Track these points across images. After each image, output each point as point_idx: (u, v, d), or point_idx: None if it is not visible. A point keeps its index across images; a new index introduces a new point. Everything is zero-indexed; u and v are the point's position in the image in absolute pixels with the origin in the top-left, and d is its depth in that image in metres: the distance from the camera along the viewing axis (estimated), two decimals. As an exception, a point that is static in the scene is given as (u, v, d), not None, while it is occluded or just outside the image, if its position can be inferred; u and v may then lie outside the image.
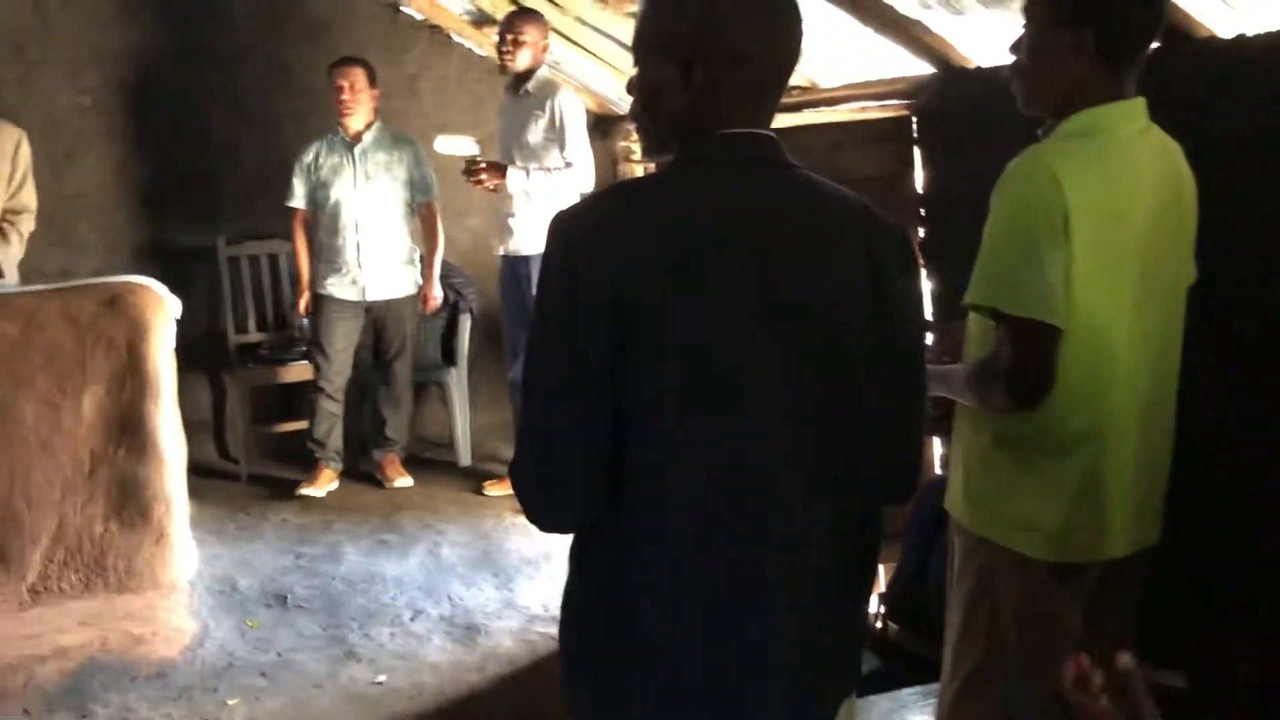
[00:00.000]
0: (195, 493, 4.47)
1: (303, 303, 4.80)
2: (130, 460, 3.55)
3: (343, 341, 4.75)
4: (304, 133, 5.21)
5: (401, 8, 5.47)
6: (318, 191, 4.71)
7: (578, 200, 1.43)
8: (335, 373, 4.76)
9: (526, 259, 4.35)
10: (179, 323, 3.92)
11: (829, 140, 3.58)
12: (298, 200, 4.75)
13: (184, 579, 3.66)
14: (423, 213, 4.85)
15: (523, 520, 4.45)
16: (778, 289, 1.29)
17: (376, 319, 4.79)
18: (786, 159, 1.36)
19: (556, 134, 4.29)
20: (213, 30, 5.20)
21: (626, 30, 4.25)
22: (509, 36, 4.27)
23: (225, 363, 5.21)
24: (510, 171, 4.30)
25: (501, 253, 4.47)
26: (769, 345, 1.29)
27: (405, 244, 4.81)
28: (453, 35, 5.56)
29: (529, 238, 4.34)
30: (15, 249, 4.13)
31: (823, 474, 1.33)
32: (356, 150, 4.67)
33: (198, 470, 4.66)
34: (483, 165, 4.34)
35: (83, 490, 3.51)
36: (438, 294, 4.88)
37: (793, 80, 3.75)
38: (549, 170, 4.30)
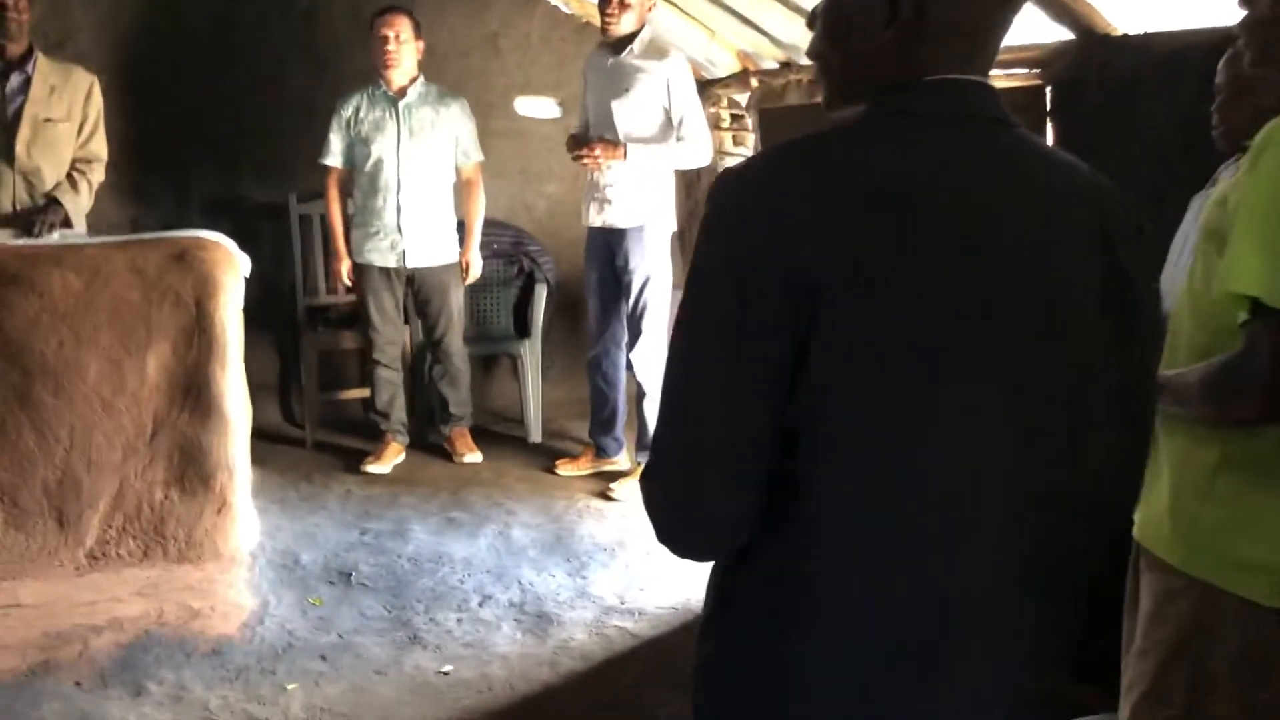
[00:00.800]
0: (258, 458, 4.32)
1: (344, 269, 4.56)
2: (194, 424, 3.39)
3: (391, 312, 4.55)
4: (354, 90, 5.01)
5: (486, -39, 5.23)
6: (356, 148, 4.46)
7: (745, 160, 1.15)
8: (387, 342, 4.57)
9: (623, 233, 4.11)
10: (247, 281, 3.75)
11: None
12: (334, 158, 4.50)
13: (245, 551, 3.49)
14: (465, 176, 4.60)
15: (597, 503, 4.32)
16: (995, 277, 1.02)
17: (418, 288, 4.57)
18: (1007, 115, 1.08)
19: (668, 105, 4.02)
20: (290, -18, 5.01)
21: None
22: (615, -1, 3.99)
23: (293, 325, 5.05)
24: (632, 149, 4.02)
25: (597, 224, 4.21)
26: (982, 348, 1.01)
27: (450, 208, 4.58)
28: (538, -9, 5.32)
29: (627, 210, 4.10)
30: (84, 199, 3.98)
31: (1040, 510, 1.06)
32: (400, 106, 4.42)
33: (262, 435, 4.51)
34: (593, 141, 4.07)
35: (144, 454, 3.35)
36: (476, 262, 4.64)
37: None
38: (666, 146, 4.04)
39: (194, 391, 3.38)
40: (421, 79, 4.47)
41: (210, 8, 4.90)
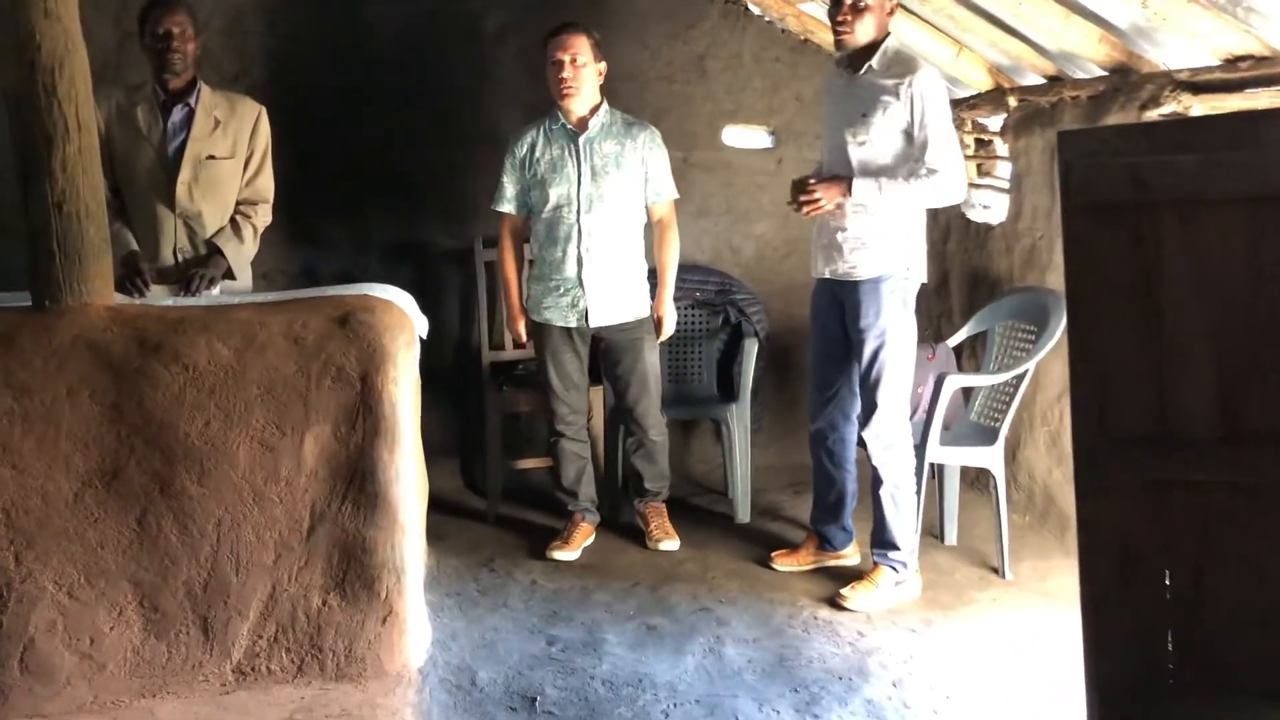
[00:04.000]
0: (436, 533, 3.83)
1: (521, 329, 3.99)
2: (357, 519, 2.87)
3: (574, 376, 3.96)
4: (528, 124, 4.49)
5: (692, -25, 4.65)
6: (531, 192, 3.89)
7: None
8: (572, 412, 3.99)
9: (856, 285, 3.41)
10: (426, 334, 3.25)
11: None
12: (507, 203, 3.94)
13: (413, 667, 2.96)
14: (657, 216, 3.97)
15: (825, 614, 3.59)
16: None
17: (606, 349, 3.97)
18: None
19: (912, 129, 3.31)
20: (476, 4, 4.54)
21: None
22: (847, 2, 3.28)
23: (477, 382, 4.56)
24: (857, 185, 3.32)
25: (827, 275, 3.53)
26: None
27: (639, 255, 3.96)
28: (750, 6, 4.69)
29: (863, 259, 3.40)
30: (249, 246, 3.55)
31: None
32: (581, 140, 3.83)
33: (440, 504, 4.02)
34: (814, 183, 3.38)
35: (299, 553, 2.85)
36: (670, 317, 3.98)
37: (1240, 46, 2.60)
38: (907, 180, 3.31)
39: (357, 480, 2.86)
40: (605, 107, 3.89)
41: (390, 34, 4.48)
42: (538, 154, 3.85)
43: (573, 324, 3.87)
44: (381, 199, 4.58)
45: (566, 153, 3.82)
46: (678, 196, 4.00)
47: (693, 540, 4.03)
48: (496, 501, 4.34)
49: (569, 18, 4.55)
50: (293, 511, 2.85)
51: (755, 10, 4.71)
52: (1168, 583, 2.12)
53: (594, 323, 3.86)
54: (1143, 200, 2.07)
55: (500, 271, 4.03)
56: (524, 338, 3.99)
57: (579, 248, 3.80)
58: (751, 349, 4.28)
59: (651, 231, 3.99)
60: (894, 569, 3.50)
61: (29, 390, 2.70)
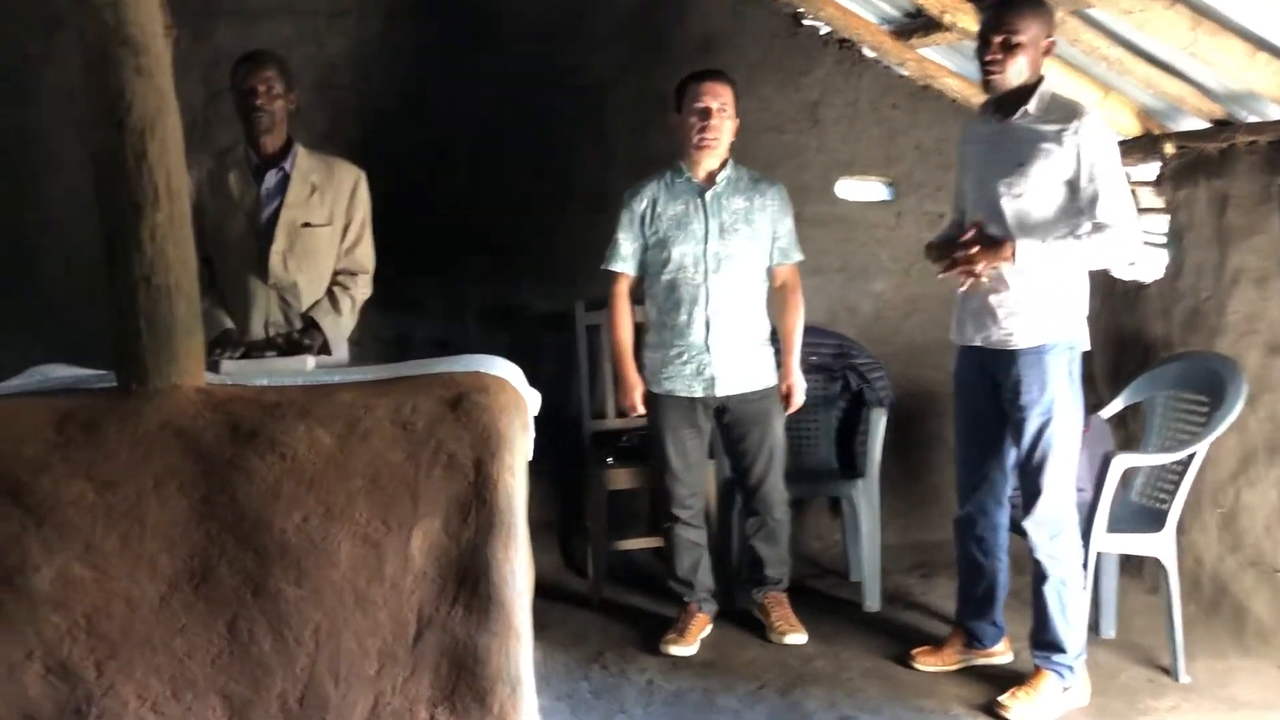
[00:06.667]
0: (536, 620, 3.47)
1: (636, 399, 3.66)
2: (468, 624, 2.55)
3: (694, 454, 3.65)
4: (646, 178, 4.23)
5: (804, 19, 4.37)
6: (651, 251, 3.60)
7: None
8: (690, 494, 3.66)
9: (1014, 355, 3.06)
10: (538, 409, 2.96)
11: None
12: (622, 262, 3.64)
13: (530, 790, 2.61)
14: (782, 279, 3.67)
15: (983, 722, 3.21)
16: None
17: (731, 422, 3.65)
18: None
19: (1077, 180, 2.96)
20: (576, 55, 4.31)
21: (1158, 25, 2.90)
22: (997, 39, 2.95)
23: (576, 454, 4.26)
24: (1023, 247, 2.96)
25: (977, 342, 3.18)
26: None
27: (763, 321, 3.65)
28: (865, 51, 4.40)
29: (1026, 326, 3.05)
30: (346, 320, 3.31)
31: None
32: (708, 196, 3.54)
33: (538, 586, 3.69)
34: (970, 241, 3.02)
35: (405, 663, 2.54)
36: (800, 386, 3.66)
37: None
38: (1078, 237, 2.96)
39: (469, 580, 2.55)
40: (731, 162, 3.60)
41: (485, 89, 4.25)
42: (659, 209, 3.56)
43: (698, 394, 3.56)
44: (476, 261, 4.33)
45: (692, 208, 3.53)
46: (802, 259, 3.69)
47: (819, 633, 3.67)
48: (600, 585, 4.02)
49: (673, 69, 4.29)
50: (398, 616, 2.54)
51: (871, 55, 4.42)
52: None
53: (721, 392, 3.55)
54: None
55: (611, 336, 3.73)
56: (639, 410, 3.68)
57: (706, 310, 3.50)
58: (879, 420, 3.93)
59: (774, 296, 3.68)
60: (1060, 674, 3.11)
61: (113, 483, 2.44)
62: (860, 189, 4.49)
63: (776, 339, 3.70)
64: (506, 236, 4.32)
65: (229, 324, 3.17)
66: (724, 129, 3.49)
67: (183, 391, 2.57)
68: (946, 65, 4.28)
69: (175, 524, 2.47)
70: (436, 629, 2.56)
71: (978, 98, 4.30)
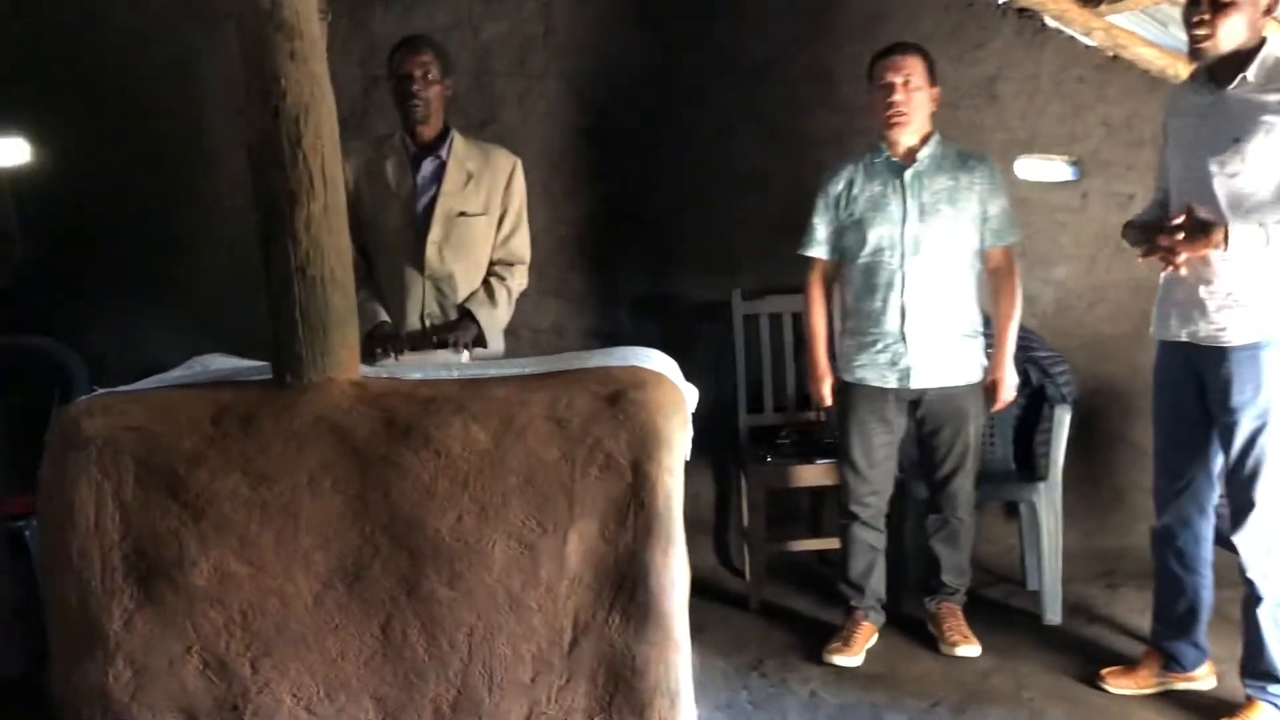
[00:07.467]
0: (693, 622, 3.32)
1: (825, 390, 3.49)
2: (625, 632, 2.43)
3: (882, 450, 3.42)
4: (843, 159, 4.01)
5: (980, -12, 4.08)
6: (847, 234, 3.40)
7: None
8: (873, 493, 3.44)
9: (1225, 353, 2.75)
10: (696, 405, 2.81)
11: None
12: (818, 247, 3.45)
13: (688, 808, 2.48)
14: (994, 263, 3.40)
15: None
16: None
17: (925, 416, 3.42)
18: None
19: None
20: (740, 32, 4.12)
21: None
22: (1211, -1, 2.65)
23: (734, 450, 4.10)
24: (1234, 230, 2.64)
25: (1183, 337, 2.88)
26: None
27: (971, 309, 3.39)
28: (1047, 20, 4.08)
29: (1240, 321, 2.74)
30: (502, 312, 3.21)
31: None
32: (907, 175, 3.31)
33: (693, 586, 3.56)
34: (1180, 225, 2.71)
35: (560, 670, 2.44)
36: (1012, 382, 3.40)
37: None
38: None
39: (627, 587, 2.43)
40: (936, 138, 3.36)
41: (641, 70, 4.11)
42: (855, 190, 3.37)
43: (891, 385, 3.35)
44: (631, 249, 4.21)
45: (890, 189, 3.32)
46: (1018, 240, 3.43)
47: (995, 645, 3.42)
48: (759, 588, 3.85)
49: (838, 45, 4.10)
50: (553, 622, 2.43)
51: (1053, 25, 4.10)
52: None
53: (916, 385, 3.33)
54: None
55: (806, 323, 3.54)
56: (826, 400, 3.50)
57: (902, 297, 3.30)
58: (1063, 419, 3.63)
59: (984, 282, 3.44)
60: (1276, 705, 2.79)
61: (268, 478, 2.40)
62: (1041, 169, 4.18)
63: (989, 329, 3.45)
64: (662, 223, 4.18)
65: (384, 316, 3.11)
66: (914, 103, 3.26)
67: (337, 385, 2.52)
68: (1139, 33, 3.93)
69: (329, 521, 2.42)
70: (593, 637, 2.45)
71: (1173, 69, 3.95)
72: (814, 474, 3.78)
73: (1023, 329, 3.99)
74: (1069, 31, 4.08)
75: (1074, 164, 4.18)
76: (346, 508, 2.42)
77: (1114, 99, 4.11)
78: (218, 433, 2.42)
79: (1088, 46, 4.10)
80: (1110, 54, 4.08)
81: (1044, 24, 4.10)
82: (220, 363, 2.90)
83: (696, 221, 4.17)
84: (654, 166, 4.15)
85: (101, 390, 2.59)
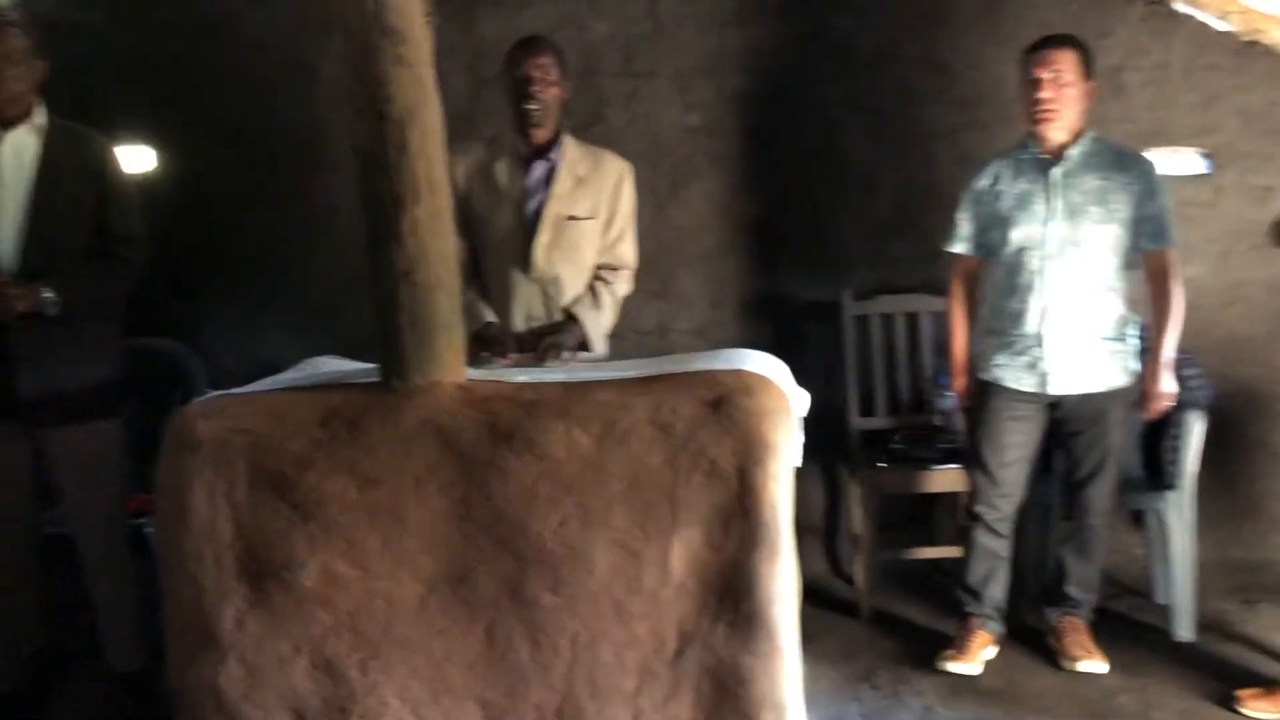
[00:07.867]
0: (802, 629, 3.28)
1: (960, 385, 3.42)
2: (731, 642, 2.38)
3: (1016, 452, 3.29)
4: (958, 155, 3.89)
5: (1105, -27, 3.91)
6: (992, 231, 3.29)
7: None
8: (1001, 496, 3.32)
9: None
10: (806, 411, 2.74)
11: None
12: (962, 243, 3.36)
13: (795, 825, 2.41)
14: (1151, 266, 3.25)
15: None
16: None
17: (1064, 420, 3.28)
18: None
19: None
20: (850, 24, 4.02)
21: None
22: (1362, -28, 2.49)
23: (844, 454, 4.01)
24: None
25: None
26: None
27: (1117, 312, 3.24)
28: (1177, 6, 3.88)
29: None
30: (607, 316, 3.18)
31: None
32: (1055, 173, 3.18)
33: (803, 592, 3.49)
34: None
35: (664, 679, 2.40)
36: (1168, 389, 3.24)
37: None
38: None
39: (731, 596, 2.38)
40: (1090, 135, 3.23)
41: (751, 64, 4.04)
42: (1001, 186, 3.26)
43: (1028, 388, 3.24)
44: (738, 247, 4.15)
45: (1036, 187, 3.20)
46: (1179, 243, 3.27)
47: (1121, 662, 3.27)
48: (871, 595, 3.75)
49: (953, 36, 3.97)
50: (657, 630, 2.40)
51: (1184, 10, 3.89)
52: None
53: (1054, 390, 3.22)
54: None
55: (949, 319, 3.46)
56: (962, 399, 3.43)
57: (1043, 299, 3.18)
58: (1194, 423, 3.45)
59: (1143, 284, 3.29)
60: None
61: (374, 481, 2.41)
62: (1171, 161, 3.97)
63: (1143, 334, 3.31)
64: (770, 221, 4.11)
65: (490, 317, 3.11)
66: (1063, 98, 3.13)
67: (443, 388, 2.52)
68: (1280, 16, 3.71)
69: (434, 524, 2.42)
70: (698, 647, 2.40)
71: (1320, 52, 3.73)
72: (929, 480, 3.67)
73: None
74: (1200, 16, 3.87)
75: (1206, 156, 3.97)
76: (451, 511, 2.42)
77: (1250, 86, 3.90)
78: (326, 435, 2.44)
79: (1222, 32, 3.88)
80: (1247, 39, 3.86)
81: (1173, 10, 3.89)
82: (331, 365, 2.94)
83: (805, 220, 4.09)
84: (761, 164, 4.08)
85: (216, 392, 2.64)
